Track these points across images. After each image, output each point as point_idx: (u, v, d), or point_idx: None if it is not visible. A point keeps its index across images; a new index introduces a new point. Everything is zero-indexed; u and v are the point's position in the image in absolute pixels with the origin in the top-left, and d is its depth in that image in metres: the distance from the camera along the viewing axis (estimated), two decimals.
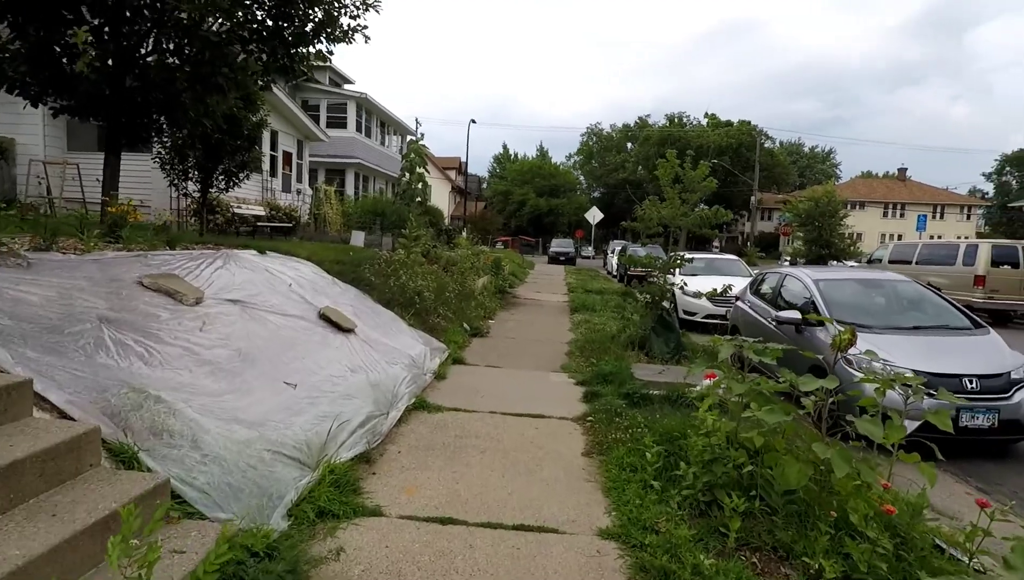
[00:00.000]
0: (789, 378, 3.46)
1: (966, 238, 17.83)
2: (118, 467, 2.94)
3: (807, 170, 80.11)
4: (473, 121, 40.78)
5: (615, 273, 27.53)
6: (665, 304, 8.45)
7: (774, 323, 7.28)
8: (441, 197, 56.22)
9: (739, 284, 13.32)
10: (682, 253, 8.47)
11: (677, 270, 13.17)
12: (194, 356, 4.32)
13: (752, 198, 58.44)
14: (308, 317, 6.24)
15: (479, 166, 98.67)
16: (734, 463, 3.56)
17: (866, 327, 5.99)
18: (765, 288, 8.36)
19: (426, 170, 18.46)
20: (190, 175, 10.49)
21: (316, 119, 24.98)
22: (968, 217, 58.66)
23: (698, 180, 7.75)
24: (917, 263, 16.74)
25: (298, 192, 17.86)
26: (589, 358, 7.97)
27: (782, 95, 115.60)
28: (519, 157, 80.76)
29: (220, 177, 10.75)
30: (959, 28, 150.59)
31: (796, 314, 6.49)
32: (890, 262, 18.16)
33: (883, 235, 56.37)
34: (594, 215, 36.01)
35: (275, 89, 17.12)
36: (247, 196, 15.66)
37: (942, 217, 57.53)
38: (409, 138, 17.90)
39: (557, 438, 4.99)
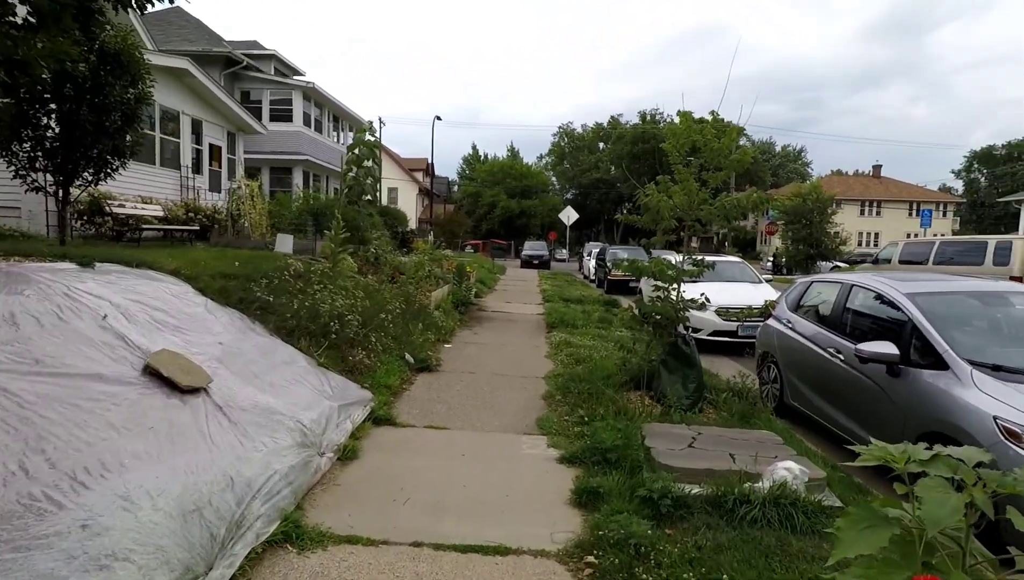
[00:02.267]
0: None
1: (994, 235, 16.01)
2: None
3: (779, 169, 79.38)
4: (438, 118, 38.36)
5: (593, 277, 25.33)
6: (680, 329, 6.16)
7: (841, 356, 5.03)
8: (408, 200, 53.57)
9: (749, 292, 11.27)
10: (700, 256, 6.18)
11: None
12: None
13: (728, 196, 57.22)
14: (120, 373, 3.76)
15: (449, 169, 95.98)
16: None
17: (1014, 371, 3.78)
18: (815, 303, 6.13)
19: (375, 164, 15.97)
20: (37, 163, 7.84)
21: (258, 113, 22.27)
22: (944, 214, 58.33)
23: (725, 152, 5.50)
24: (936, 263, 14.88)
25: (230, 191, 15.23)
26: (576, 406, 5.63)
27: (749, 98, 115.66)
28: (489, 158, 78.43)
29: (85, 166, 8.13)
30: (919, 31, 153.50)
31: (891, 348, 4.25)
32: (901, 262, 16.33)
33: (860, 234, 55.61)
34: (568, 215, 33.86)
35: (194, 71, 14.49)
36: (157, 194, 12.97)
37: (919, 214, 56.96)
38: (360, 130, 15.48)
39: None
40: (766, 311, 5.65)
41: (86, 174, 8.23)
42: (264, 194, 16.98)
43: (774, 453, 4.04)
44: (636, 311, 6.52)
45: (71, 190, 8.38)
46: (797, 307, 6.41)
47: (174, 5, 21.42)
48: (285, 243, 10.89)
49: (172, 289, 5.48)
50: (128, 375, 3.80)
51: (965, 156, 75.51)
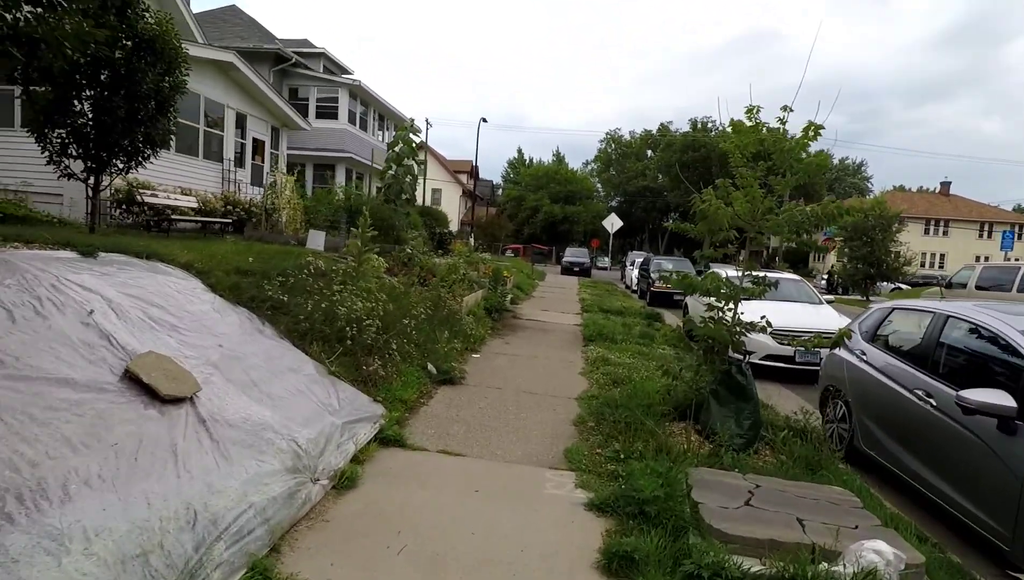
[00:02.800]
0: None
1: None
2: None
3: (836, 183, 75.96)
4: (484, 120, 38.08)
5: (635, 288, 24.43)
6: (737, 356, 5.41)
7: (932, 401, 4.21)
8: (451, 201, 53.57)
9: (809, 314, 10.28)
10: (762, 273, 5.42)
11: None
12: None
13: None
14: (93, 378, 3.33)
15: (493, 173, 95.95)
16: None
17: None
18: (896, 333, 5.29)
19: (416, 162, 15.62)
20: (70, 149, 7.69)
21: (304, 110, 22.35)
22: (1020, 236, 54.48)
23: (797, 154, 4.74)
24: (1020, 290, 13.48)
25: (265, 186, 15.15)
26: (611, 436, 4.96)
27: (806, 107, 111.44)
28: (534, 162, 77.97)
29: (117, 154, 7.95)
30: (995, 41, 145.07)
31: (1007, 399, 3.44)
32: (978, 288, 14.91)
33: (924, 254, 52.46)
34: (612, 223, 32.94)
35: (240, 65, 14.45)
36: (198, 186, 12.92)
37: (990, 236, 53.44)
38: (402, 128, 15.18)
39: None
40: (840, 340, 4.83)
41: (118, 162, 8.06)
42: (305, 189, 16.90)
43: (853, 521, 3.29)
44: (683, 330, 5.79)
45: (103, 178, 8.22)
46: (874, 337, 5.57)
47: (230, 5, 21.30)
48: (317, 240, 10.58)
49: (179, 284, 5.10)
50: (103, 380, 3.37)
51: None
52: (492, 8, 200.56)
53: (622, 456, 4.40)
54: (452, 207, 52.44)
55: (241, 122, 15.67)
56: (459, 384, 6.60)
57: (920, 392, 4.41)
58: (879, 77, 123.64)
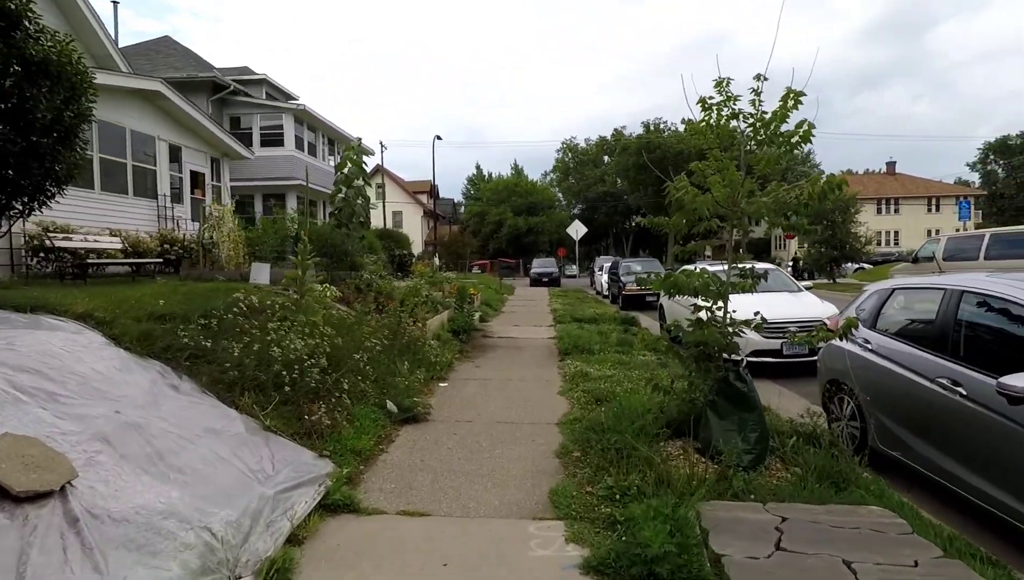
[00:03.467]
0: None
1: None
2: None
3: (787, 173, 77.71)
4: (438, 137, 37.59)
5: (606, 293, 23.97)
6: (735, 357, 4.81)
7: (961, 390, 3.65)
8: (413, 223, 52.78)
9: (791, 304, 9.82)
10: (748, 265, 4.83)
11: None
12: None
13: None
14: None
15: (453, 191, 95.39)
16: None
17: None
18: (902, 316, 4.76)
19: (367, 182, 14.84)
20: None
21: (248, 139, 21.37)
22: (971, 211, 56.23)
23: (777, 124, 4.18)
24: (987, 258, 13.37)
25: (201, 219, 14.05)
26: (601, 468, 4.27)
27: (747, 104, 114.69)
28: (493, 177, 77.74)
29: (15, 195, 6.99)
30: (917, 30, 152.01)
31: None
32: (945, 260, 14.83)
33: (879, 233, 53.71)
34: (577, 229, 32.60)
35: (168, 93, 13.50)
36: (129, 225, 11.87)
37: (938, 209, 55.18)
38: (350, 146, 14.33)
39: None
40: (847, 330, 4.24)
41: (16, 204, 7.10)
42: (255, 221, 15.94)
43: (909, 554, 2.66)
44: (667, 337, 5.19)
45: (2, 222, 7.25)
46: (875, 322, 5.03)
47: (162, 36, 20.02)
48: (261, 273, 9.69)
49: (69, 340, 4.23)
50: None
51: (980, 148, 73.26)
52: (440, 22, 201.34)
53: (617, 495, 3.70)
54: (414, 228, 51.63)
55: (176, 155, 14.65)
56: (424, 421, 5.83)
57: (944, 381, 3.84)
58: (819, 69, 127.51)
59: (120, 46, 23.01)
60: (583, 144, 75.91)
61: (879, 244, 50.63)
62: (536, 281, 34.62)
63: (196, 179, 15.53)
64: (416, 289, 11.61)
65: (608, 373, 7.87)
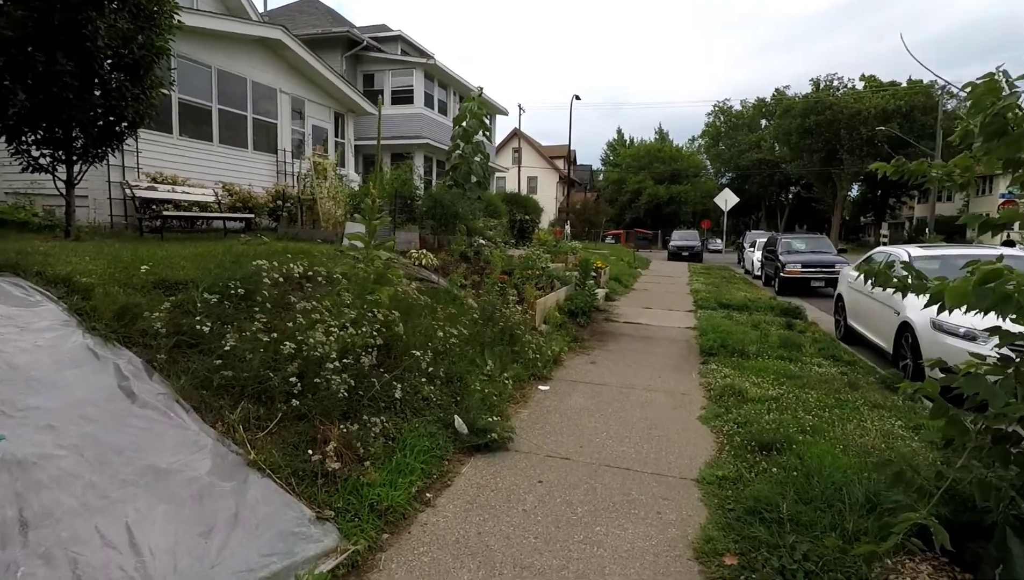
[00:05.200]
0: None
1: None
2: None
3: None
4: (577, 97, 35.05)
5: (758, 273, 20.64)
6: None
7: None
8: (548, 189, 51.25)
9: None
10: None
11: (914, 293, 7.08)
12: None
13: (933, 172, 46.57)
14: None
15: (593, 157, 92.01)
16: None
17: None
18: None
19: (487, 138, 13.36)
20: (25, 136, 6.14)
21: (380, 97, 20.87)
22: None
23: None
24: None
25: (340, 178, 13.49)
26: None
27: (948, 60, 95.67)
28: (635, 142, 73.43)
29: (79, 139, 6.32)
30: None
31: None
32: None
33: None
34: (726, 199, 28.83)
35: (290, 42, 12.90)
36: (243, 181, 11.49)
37: None
38: (468, 98, 12.82)
39: None
40: None
41: (76, 144, 6.41)
42: (354, 177, 15.24)
43: None
44: (935, 383, 2.96)
45: (77, 167, 6.67)
46: None
47: None
48: (356, 233, 8.58)
49: (7, 316, 3.08)
50: None
51: None
52: None
53: None
54: (549, 195, 50.08)
55: (298, 109, 14.21)
56: (503, 450, 4.15)
57: None
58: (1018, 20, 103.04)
59: (268, 9, 23.64)
60: (738, 107, 68.66)
61: None
62: (675, 255, 31.49)
63: (318, 134, 15.07)
64: (530, 260, 9.94)
65: (773, 392, 5.63)
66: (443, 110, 23.05)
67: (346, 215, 10.09)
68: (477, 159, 12.89)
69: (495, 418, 4.37)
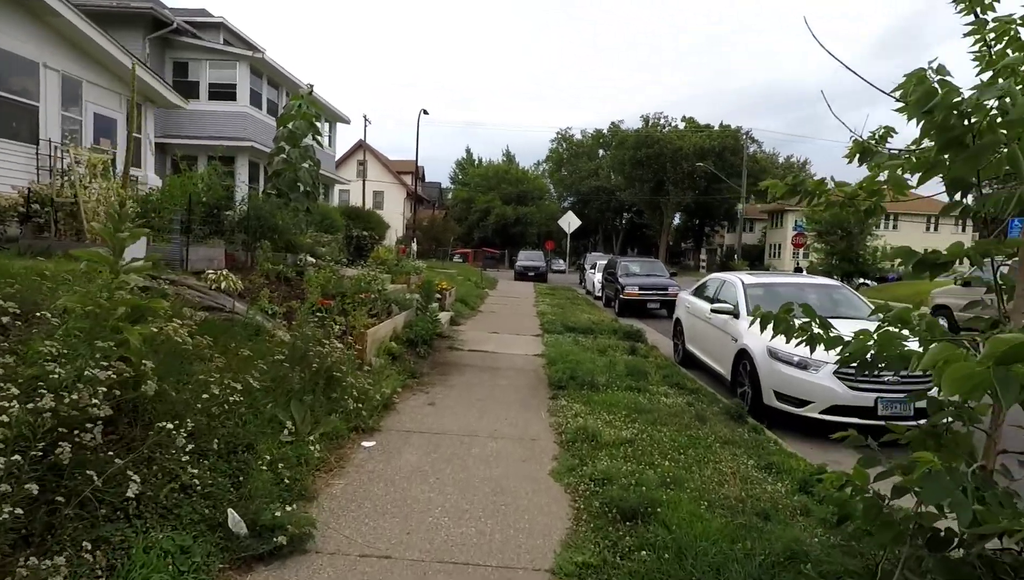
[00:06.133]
0: None
1: None
2: None
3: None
4: (425, 111, 34.34)
5: (599, 294, 21.30)
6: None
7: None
8: (395, 204, 49.64)
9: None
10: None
11: (749, 318, 7.10)
12: None
13: (739, 206, 53.26)
14: None
15: (441, 175, 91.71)
16: None
17: None
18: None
19: (318, 143, 11.92)
20: None
21: (193, 89, 18.22)
22: (963, 229, 54.63)
23: None
24: None
25: (55, 170, 10.81)
26: None
27: (750, 108, 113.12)
28: (483, 162, 74.59)
29: None
30: (920, 48, 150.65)
31: None
32: None
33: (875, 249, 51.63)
34: (569, 222, 29.84)
35: (60, 7, 10.38)
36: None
37: (936, 229, 53.42)
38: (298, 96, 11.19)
39: None
40: None
41: None
42: (153, 180, 12.88)
43: None
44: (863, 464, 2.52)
45: None
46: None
47: None
48: (136, 250, 6.76)
49: None
50: None
51: None
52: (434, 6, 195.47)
53: None
54: (396, 210, 48.48)
55: (73, 91, 11.54)
56: (298, 554, 3.02)
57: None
58: (818, 86, 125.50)
59: None
60: (579, 135, 73.01)
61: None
62: (522, 274, 31.83)
63: (102, 125, 12.41)
64: (364, 281, 8.76)
65: (626, 433, 5.14)
66: (273, 111, 20.77)
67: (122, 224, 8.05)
68: (306, 165, 11.39)
69: (291, 506, 3.21)
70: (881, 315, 2.16)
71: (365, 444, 4.69)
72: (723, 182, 51.06)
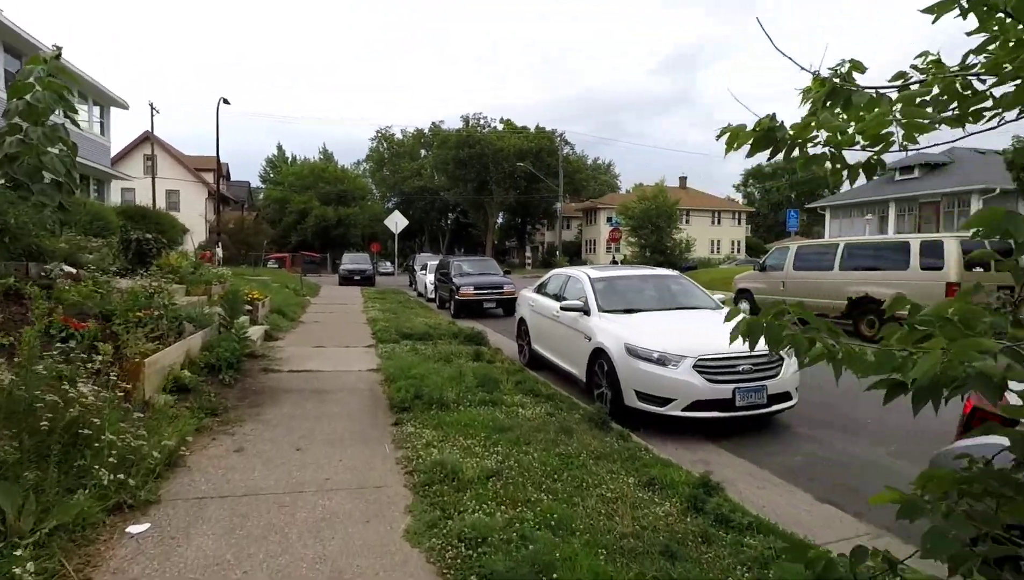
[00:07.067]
0: None
1: (918, 234, 14.37)
2: None
3: (591, 181, 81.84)
4: (225, 101, 30.28)
5: (432, 296, 20.41)
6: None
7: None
8: (194, 205, 43.69)
9: (721, 328, 7.25)
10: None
11: (601, 309, 7.03)
12: None
13: (557, 205, 56.13)
14: None
15: (251, 174, 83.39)
16: None
17: None
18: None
19: (73, 120, 9.31)
20: None
21: None
22: (739, 222, 63.92)
23: None
24: (843, 269, 12.64)
25: None
26: None
27: (572, 113, 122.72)
28: (298, 160, 69.28)
29: None
30: (693, 68, 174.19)
31: None
32: (796, 270, 14.04)
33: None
34: (396, 222, 28.51)
35: None
36: None
37: (719, 223, 61.67)
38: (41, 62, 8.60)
39: None
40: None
41: None
42: None
43: None
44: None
45: None
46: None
47: None
48: None
49: None
50: None
51: (741, 174, 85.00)
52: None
53: None
54: (196, 211, 42.59)
55: None
56: None
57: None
58: (617, 96, 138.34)
59: None
60: (399, 135, 71.26)
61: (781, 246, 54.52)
62: (347, 279, 29.66)
63: None
64: (141, 295, 6.82)
65: (491, 462, 4.34)
66: None
67: None
68: (56, 151, 8.78)
69: None
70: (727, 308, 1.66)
71: (132, 530, 3.25)
72: (542, 181, 53.46)
